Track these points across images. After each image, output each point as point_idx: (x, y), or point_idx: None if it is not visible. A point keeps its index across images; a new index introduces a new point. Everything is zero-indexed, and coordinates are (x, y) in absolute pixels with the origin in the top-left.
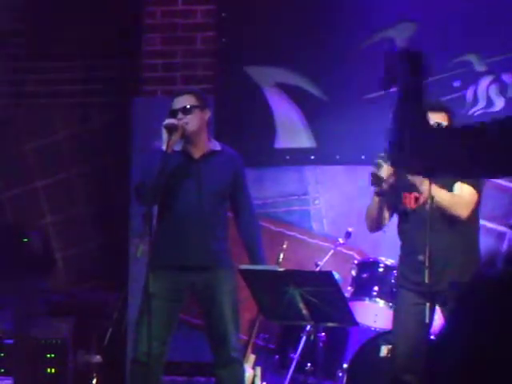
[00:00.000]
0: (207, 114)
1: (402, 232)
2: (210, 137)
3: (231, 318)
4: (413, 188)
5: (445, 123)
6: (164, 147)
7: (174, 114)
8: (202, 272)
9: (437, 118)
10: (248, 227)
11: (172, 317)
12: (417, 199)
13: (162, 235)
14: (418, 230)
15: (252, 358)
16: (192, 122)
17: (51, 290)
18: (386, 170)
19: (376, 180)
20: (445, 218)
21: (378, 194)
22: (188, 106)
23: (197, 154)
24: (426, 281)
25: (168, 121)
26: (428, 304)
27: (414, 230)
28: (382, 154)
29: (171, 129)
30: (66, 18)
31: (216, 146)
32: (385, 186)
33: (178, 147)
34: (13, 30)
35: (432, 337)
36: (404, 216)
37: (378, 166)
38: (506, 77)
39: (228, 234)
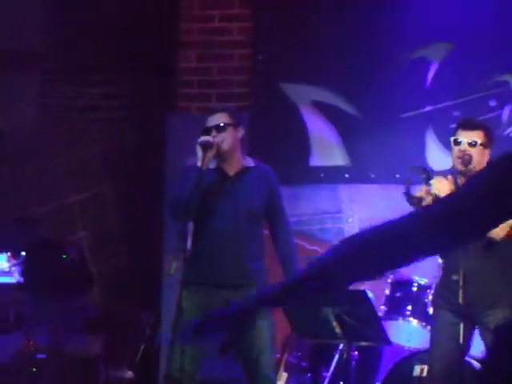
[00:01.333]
0: (241, 132)
1: None
2: (244, 154)
3: (266, 335)
4: None
5: (479, 141)
6: (199, 164)
7: (207, 131)
8: (236, 290)
9: (472, 137)
10: (284, 245)
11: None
12: None
13: (197, 252)
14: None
15: (284, 375)
16: (225, 140)
17: (87, 306)
18: (422, 189)
19: (409, 199)
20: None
21: None
22: (221, 124)
23: (231, 171)
24: (460, 301)
25: (203, 138)
26: (462, 324)
27: None
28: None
29: (206, 146)
30: (101, 33)
31: (250, 162)
32: (422, 205)
33: (212, 165)
34: (48, 45)
35: (466, 358)
36: None
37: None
38: None
39: (264, 251)
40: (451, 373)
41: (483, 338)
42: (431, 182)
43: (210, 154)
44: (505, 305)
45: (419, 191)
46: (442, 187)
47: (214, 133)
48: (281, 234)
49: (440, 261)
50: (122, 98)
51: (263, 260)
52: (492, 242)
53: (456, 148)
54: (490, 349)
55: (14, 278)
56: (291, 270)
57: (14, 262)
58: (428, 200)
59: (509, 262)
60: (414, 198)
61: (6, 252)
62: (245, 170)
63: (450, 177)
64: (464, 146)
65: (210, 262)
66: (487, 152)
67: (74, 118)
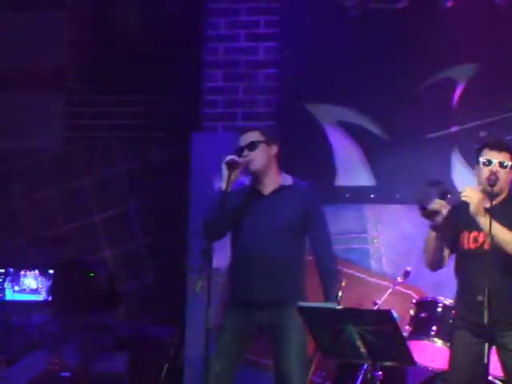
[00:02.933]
0: (274, 150)
1: (459, 272)
2: (281, 172)
3: (297, 356)
4: (473, 227)
5: (509, 163)
6: (223, 186)
7: (239, 151)
8: (268, 308)
9: (502, 158)
10: (324, 262)
11: (239, 353)
12: (476, 239)
13: (233, 272)
14: (476, 270)
15: None
16: (257, 158)
17: (114, 324)
18: (437, 203)
19: (424, 214)
20: (505, 258)
21: (433, 227)
22: (253, 142)
23: (266, 189)
24: (486, 322)
25: (229, 157)
26: (486, 344)
27: (473, 270)
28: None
29: (231, 165)
30: (127, 53)
31: (287, 180)
32: (439, 219)
33: (247, 182)
34: (75, 65)
35: (490, 377)
36: (462, 256)
37: (426, 199)
38: None
39: (301, 270)
40: None
41: (502, 358)
42: (463, 188)
43: (235, 174)
44: None
45: (434, 204)
46: (472, 195)
47: (246, 152)
48: (321, 252)
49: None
50: (148, 117)
51: (301, 279)
52: None
53: (486, 168)
54: None
55: (41, 296)
56: (325, 292)
57: (42, 280)
58: (444, 213)
59: None
60: (428, 211)
61: (34, 270)
62: (280, 189)
63: (478, 188)
64: (495, 167)
65: (243, 281)
66: (511, 172)
67: (99, 136)
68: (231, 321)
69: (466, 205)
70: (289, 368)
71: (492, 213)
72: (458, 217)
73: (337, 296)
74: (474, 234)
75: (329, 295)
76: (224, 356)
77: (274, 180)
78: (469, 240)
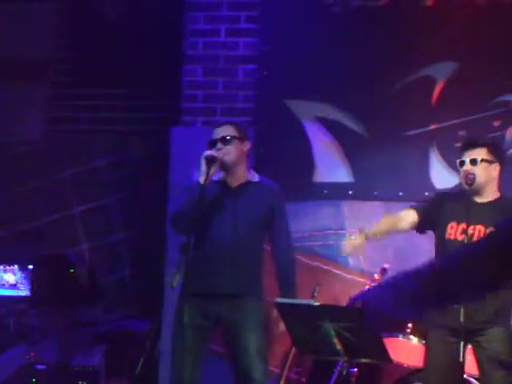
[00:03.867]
0: (246, 146)
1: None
2: (250, 169)
3: (256, 351)
4: (462, 218)
5: (480, 157)
6: (202, 180)
7: (213, 143)
8: (226, 300)
9: (472, 155)
10: (281, 260)
11: (201, 343)
12: (464, 231)
13: (194, 263)
14: None
15: None
16: (230, 152)
17: (93, 319)
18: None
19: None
20: None
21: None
22: (227, 137)
23: (234, 183)
24: (461, 319)
25: (208, 152)
26: (462, 342)
27: None
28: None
29: (210, 160)
30: (108, 47)
31: (254, 177)
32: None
33: (216, 177)
34: (56, 58)
35: (465, 375)
36: (445, 245)
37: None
38: None
39: (261, 265)
40: None
41: (477, 357)
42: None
43: (214, 168)
44: (499, 323)
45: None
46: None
47: (219, 145)
48: (279, 249)
49: None
50: (128, 112)
51: (259, 273)
52: None
53: (461, 169)
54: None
55: (21, 292)
56: (284, 288)
57: (22, 275)
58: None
59: None
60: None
61: (13, 265)
62: (247, 184)
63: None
64: (467, 166)
65: (204, 272)
66: (494, 168)
67: (79, 130)
68: (190, 312)
69: (455, 195)
70: (248, 365)
71: (482, 210)
72: (445, 206)
73: (290, 289)
74: (462, 225)
75: (290, 294)
76: (189, 351)
77: (242, 175)
78: (456, 231)
